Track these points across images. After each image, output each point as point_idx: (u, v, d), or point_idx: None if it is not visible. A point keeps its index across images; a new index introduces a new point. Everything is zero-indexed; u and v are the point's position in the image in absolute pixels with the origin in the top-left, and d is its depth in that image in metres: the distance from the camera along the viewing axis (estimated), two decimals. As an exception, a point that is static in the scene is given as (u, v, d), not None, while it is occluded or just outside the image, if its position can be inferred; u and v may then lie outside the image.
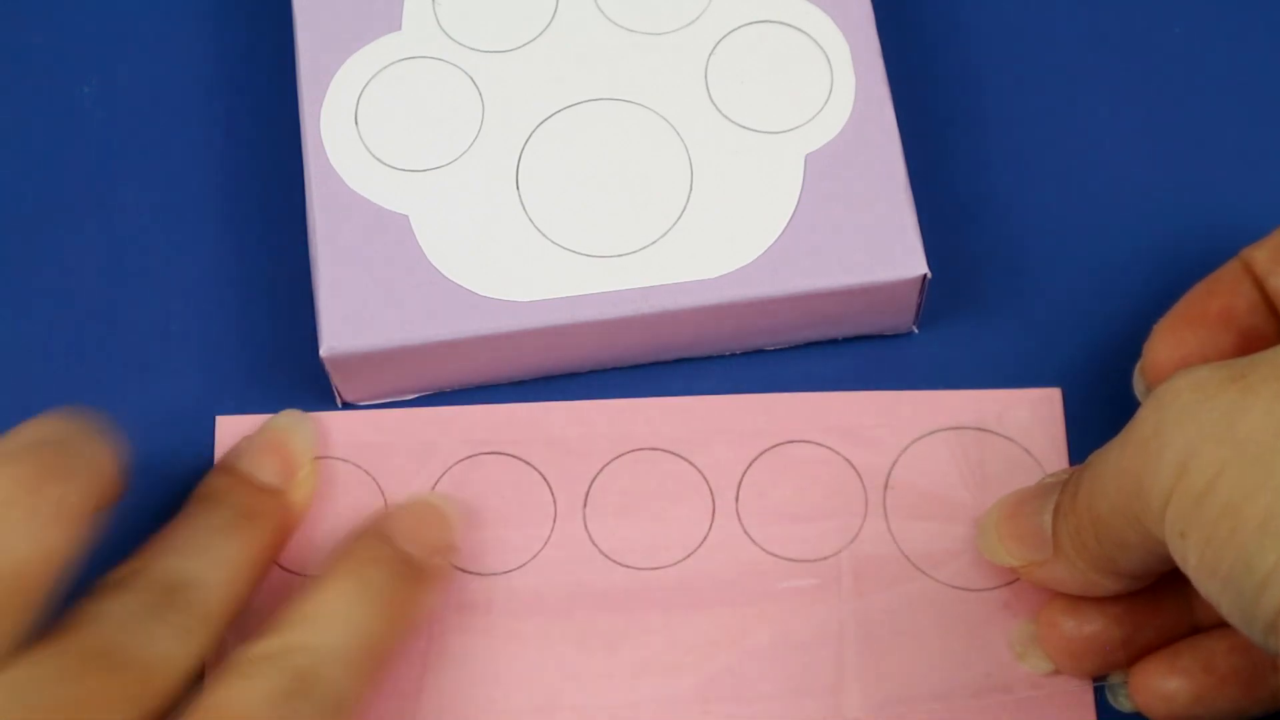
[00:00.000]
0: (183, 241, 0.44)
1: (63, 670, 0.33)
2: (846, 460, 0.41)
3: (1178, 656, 0.37)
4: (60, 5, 0.47)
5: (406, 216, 0.40)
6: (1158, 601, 0.38)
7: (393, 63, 0.42)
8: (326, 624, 0.36)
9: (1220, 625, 0.37)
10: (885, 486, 0.41)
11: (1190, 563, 0.32)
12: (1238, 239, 0.43)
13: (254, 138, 0.45)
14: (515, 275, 0.40)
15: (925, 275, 0.40)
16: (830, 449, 0.41)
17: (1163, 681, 0.37)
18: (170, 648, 0.34)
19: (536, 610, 0.40)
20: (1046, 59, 0.46)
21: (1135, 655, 0.38)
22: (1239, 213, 0.44)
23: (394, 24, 0.42)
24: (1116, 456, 0.34)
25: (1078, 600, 0.38)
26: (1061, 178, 0.44)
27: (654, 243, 0.40)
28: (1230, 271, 0.38)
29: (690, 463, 0.41)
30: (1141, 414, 0.33)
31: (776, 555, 0.40)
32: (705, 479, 0.41)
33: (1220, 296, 0.38)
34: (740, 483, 0.41)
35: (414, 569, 0.38)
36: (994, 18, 0.46)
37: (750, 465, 0.41)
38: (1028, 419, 0.41)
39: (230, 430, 0.41)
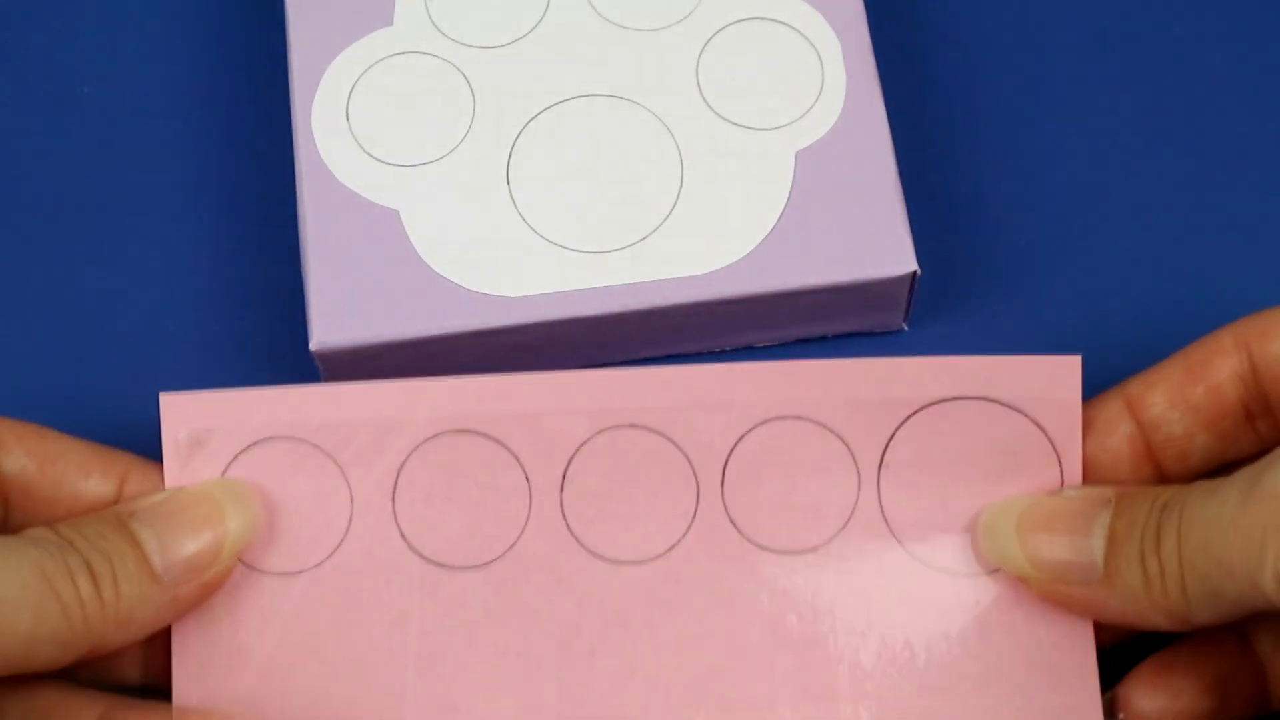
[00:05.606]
0: (177, 237, 0.44)
1: None
2: (840, 438, 0.39)
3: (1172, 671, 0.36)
4: (60, 5, 0.47)
5: (397, 211, 0.40)
6: (1239, 666, 0.36)
7: (384, 58, 0.42)
8: None
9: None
10: (880, 465, 0.38)
11: None
12: (1232, 237, 0.43)
13: (247, 134, 0.45)
14: (505, 270, 0.40)
15: (915, 272, 0.40)
16: (822, 425, 0.39)
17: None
18: None
19: (516, 610, 0.38)
20: (1037, 56, 0.46)
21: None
22: (1233, 211, 0.44)
23: (386, 19, 0.42)
24: (1235, 512, 0.31)
25: (1163, 672, 0.36)
26: (1052, 175, 0.44)
27: (644, 238, 0.40)
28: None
29: (673, 441, 0.39)
30: (1269, 463, 0.31)
31: (763, 547, 0.38)
32: (689, 460, 0.39)
33: None
34: (726, 465, 0.39)
35: None
36: (985, 15, 0.46)
37: (736, 444, 0.39)
38: (1040, 389, 0.38)
39: (176, 408, 0.37)
